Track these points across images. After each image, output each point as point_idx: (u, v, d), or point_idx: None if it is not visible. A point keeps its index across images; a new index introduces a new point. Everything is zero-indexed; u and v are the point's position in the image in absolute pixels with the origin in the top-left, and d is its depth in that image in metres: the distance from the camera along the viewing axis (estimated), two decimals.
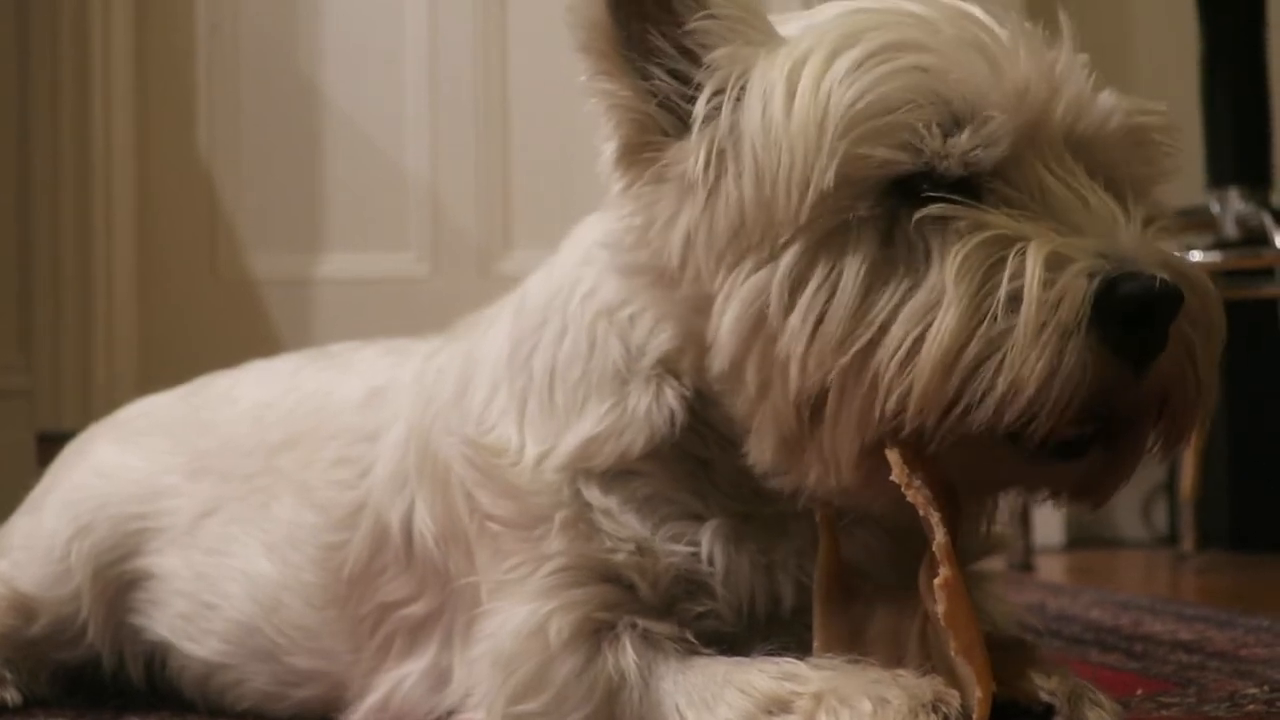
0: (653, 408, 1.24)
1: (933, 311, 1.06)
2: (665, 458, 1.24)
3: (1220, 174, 3.15)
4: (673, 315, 1.21)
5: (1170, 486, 3.65)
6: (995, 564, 1.37)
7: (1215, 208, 3.14)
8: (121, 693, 1.68)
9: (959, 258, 1.06)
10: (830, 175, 1.09)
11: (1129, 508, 3.85)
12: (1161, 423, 1.11)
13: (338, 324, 3.63)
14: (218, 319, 3.69)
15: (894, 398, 1.07)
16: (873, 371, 1.08)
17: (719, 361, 1.16)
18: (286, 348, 3.02)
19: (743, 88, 1.15)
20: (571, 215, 1.37)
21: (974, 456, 1.09)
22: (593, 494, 1.24)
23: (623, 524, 1.23)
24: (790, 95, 1.12)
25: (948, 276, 1.06)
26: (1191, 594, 2.78)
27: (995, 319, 1.05)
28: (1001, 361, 1.04)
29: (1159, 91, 3.99)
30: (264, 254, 3.73)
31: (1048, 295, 1.04)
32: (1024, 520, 3.07)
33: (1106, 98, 1.16)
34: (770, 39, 1.17)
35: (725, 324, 1.14)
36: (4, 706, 1.65)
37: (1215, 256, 3.12)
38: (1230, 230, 3.13)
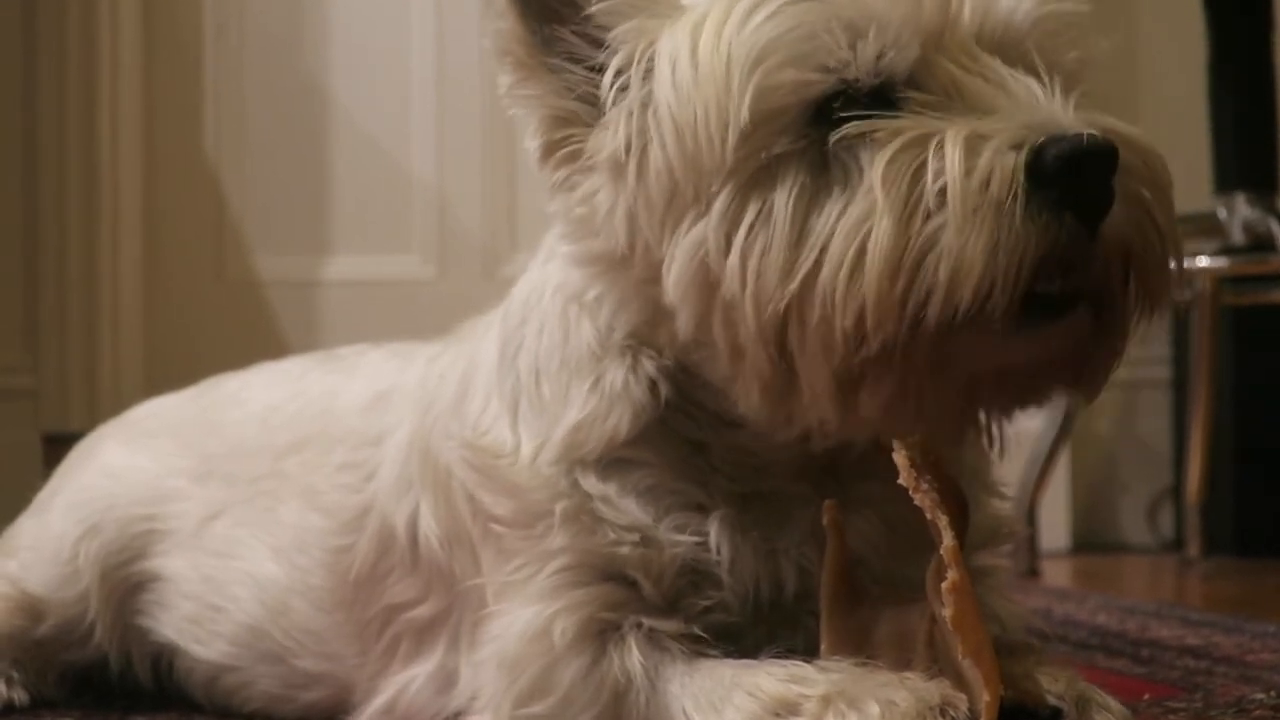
0: (629, 380, 1.24)
1: (867, 223, 1.06)
2: (657, 442, 1.24)
3: (1227, 179, 3.15)
4: (633, 294, 1.22)
5: (1176, 491, 3.65)
6: (1002, 560, 1.37)
7: (1222, 213, 3.13)
8: (129, 694, 1.69)
9: (881, 165, 1.07)
10: (745, 112, 1.10)
11: (1134, 513, 3.85)
12: (1133, 283, 1.10)
13: (343, 326, 3.63)
14: (223, 320, 3.69)
15: (850, 316, 1.07)
16: (820, 294, 1.08)
17: (683, 326, 1.17)
18: (292, 349, 3.02)
19: (650, 59, 1.17)
20: None
21: (959, 360, 1.08)
22: (590, 483, 1.24)
23: (624, 511, 1.23)
24: (694, 51, 1.14)
25: (875, 185, 1.06)
26: (1197, 599, 2.78)
27: (929, 215, 1.05)
28: (942, 251, 1.04)
29: (1165, 97, 3.99)
30: (270, 256, 3.73)
31: (972, 177, 1.04)
32: (1030, 524, 3.07)
33: None
34: (673, 10, 1.18)
35: (672, 284, 1.15)
36: (11, 707, 1.65)
37: (1222, 262, 3.12)
38: (1237, 236, 3.12)
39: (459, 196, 3.77)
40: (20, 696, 1.66)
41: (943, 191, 1.05)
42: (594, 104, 1.19)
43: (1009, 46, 1.13)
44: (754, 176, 1.11)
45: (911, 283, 1.05)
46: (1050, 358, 1.11)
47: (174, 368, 3.43)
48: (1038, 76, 1.12)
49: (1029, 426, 2.97)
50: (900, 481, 1.11)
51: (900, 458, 1.12)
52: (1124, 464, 3.88)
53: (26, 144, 3.56)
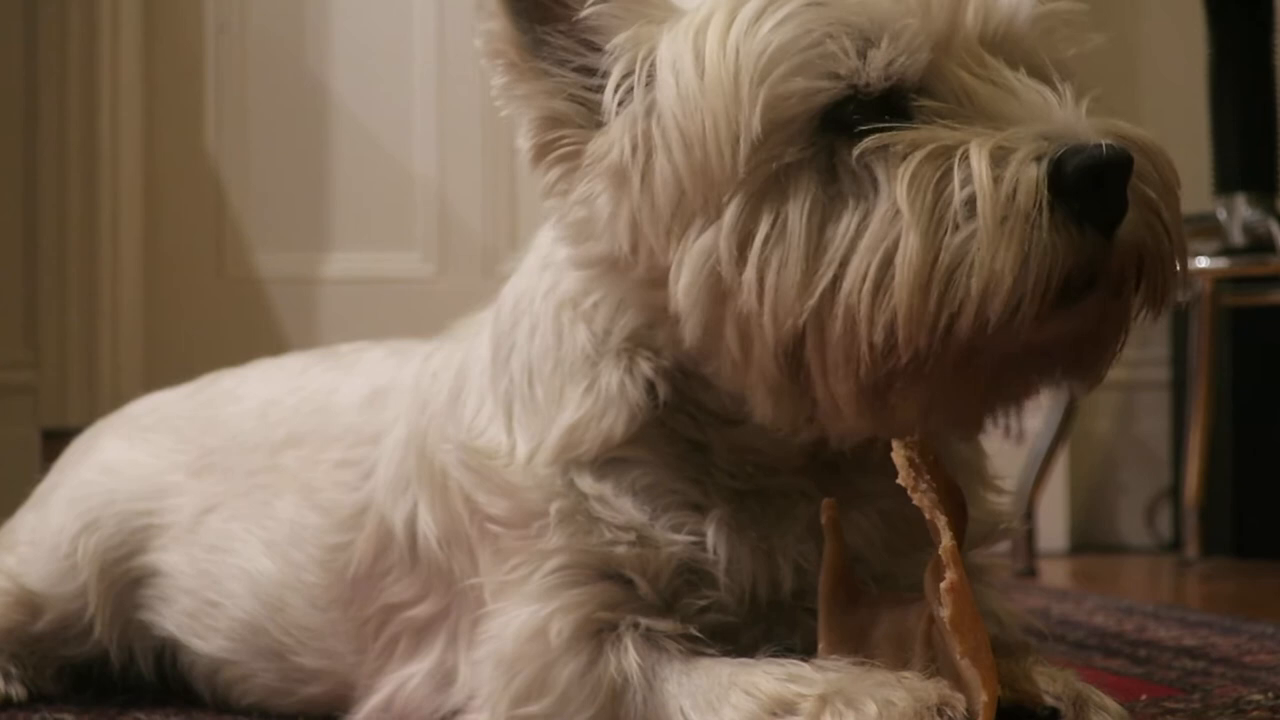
0: (625, 382, 1.24)
1: (892, 236, 1.07)
2: (654, 442, 1.24)
3: (1227, 181, 3.14)
4: (633, 297, 1.22)
5: (1174, 492, 3.65)
6: (995, 558, 1.38)
7: (1222, 215, 3.13)
8: (128, 688, 1.69)
9: (906, 178, 1.07)
10: (757, 122, 1.10)
11: (1132, 514, 3.85)
12: (1143, 284, 1.11)
13: (343, 323, 3.63)
14: (224, 317, 3.69)
15: (878, 329, 1.07)
16: (844, 307, 1.08)
17: (689, 331, 1.16)
18: (292, 346, 3.02)
19: (652, 65, 1.16)
20: None
21: (985, 355, 1.09)
22: (585, 482, 1.24)
23: (619, 510, 1.23)
24: (699, 59, 1.14)
25: (900, 199, 1.06)
26: (1195, 600, 2.78)
27: (957, 227, 1.05)
28: (973, 264, 1.05)
29: (1166, 99, 3.99)
30: (270, 253, 3.73)
31: (1000, 189, 1.04)
32: (1028, 524, 3.07)
33: None
34: (670, 15, 1.18)
35: (680, 291, 1.15)
36: (9, 702, 1.65)
37: (1222, 263, 3.12)
38: (1237, 237, 3.12)
39: (459, 194, 3.77)
40: (18, 691, 1.66)
41: (969, 203, 1.05)
42: (586, 105, 1.19)
43: (1011, 47, 1.14)
44: (765, 186, 1.11)
45: (944, 295, 1.05)
46: (1065, 338, 1.12)
47: (173, 364, 3.43)
48: (1044, 78, 1.12)
49: (1028, 426, 2.96)
50: (899, 481, 1.11)
51: (899, 457, 1.12)
52: (1122, 464, 3.87)
53: (27, 140, 3.56)
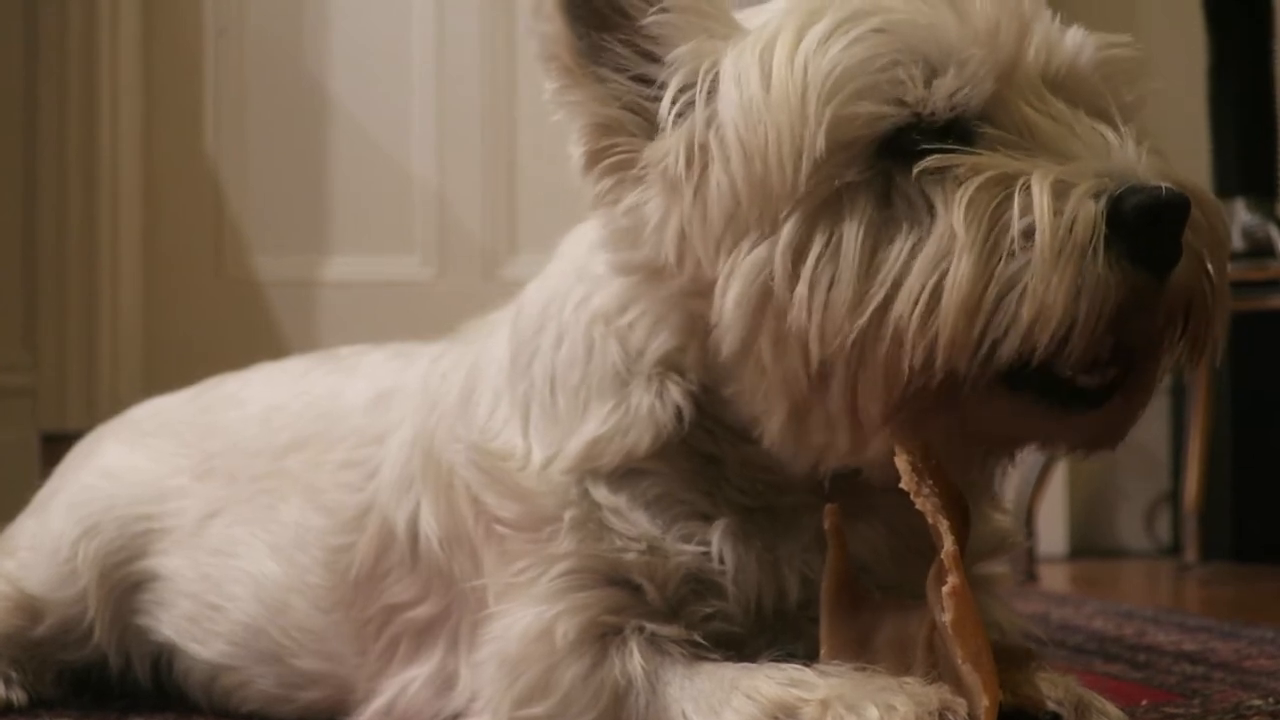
0: (656, 405, 1.24)
1: (945, 260, 1.07)
2: (673, 456, 1.24)
3: (1226, 185, 3.15)
4: (672, 306, 1.22)
5: (1174, 497, 3.65)
6: (1001, 567, 1.38)
7: None
8: (127, 694, 1.68)
9: (964, 202, 1.07)
10: (821, 141, 1.10)
11: (1132, 518, 3.85)
12: (1187, 334, 1.12)
13: (342, 326, 3.63)
14: (223, 320, 3.69)
15: (920, 350, 1.07)
16: (892, 328, 1.08)
17: (728, 343, 1.16)
18: (291, 349, 3.01)
19: (714, 79, 1.16)
20: (577, 220, 1.38)
21: (995, 414, 1.10)
22: (600, 493, 1.24)
23: (632, 522, 1.23)
24: (766, 74, 1.14)
25: (956, 222, 1.07)
26: (1195, 605, 2.78)
27: (1013, 255, 1.06)
28: (1023, 293, 1.05)
29: (1165, 102, 3.97)
30: (269, 255, 3.73)
31: (1059, 221, 1.05)
32: (1028, 530, 3.07)
33: (1075, 33, 1.18)
34: (734, 30, 1.18)
35: (729, 303, 1.15)
36: (9, 707, 1.64)
37: None
38: (1236, 242, 3.13)
39: (459, 197, 3.77)
40: (18, 696, 1.66)
41: (1027, 233, 1.06)
42: (640, 114, 1.19)
43: (1072, 88, 1.15)
44: (823, 205, 1.11)
45: (990, 321, 1.06)
46: (1079, 435, 1.14)
47: (173, 367, 3.43)
48: (1104, 119, 1.13)
49: None
50: (902, 486, 1.11)
51: (902, 462, 1.12)
52: (1122, 469, 3.88)
53: (27, 143, 3.56)
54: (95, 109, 3.59)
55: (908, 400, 1.10)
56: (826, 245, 1.11)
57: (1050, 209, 1.05)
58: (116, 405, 1.95)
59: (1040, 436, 1.16)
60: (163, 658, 1.66)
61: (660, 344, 1.24)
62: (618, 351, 1.27)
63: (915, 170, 1.10)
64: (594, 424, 1.26)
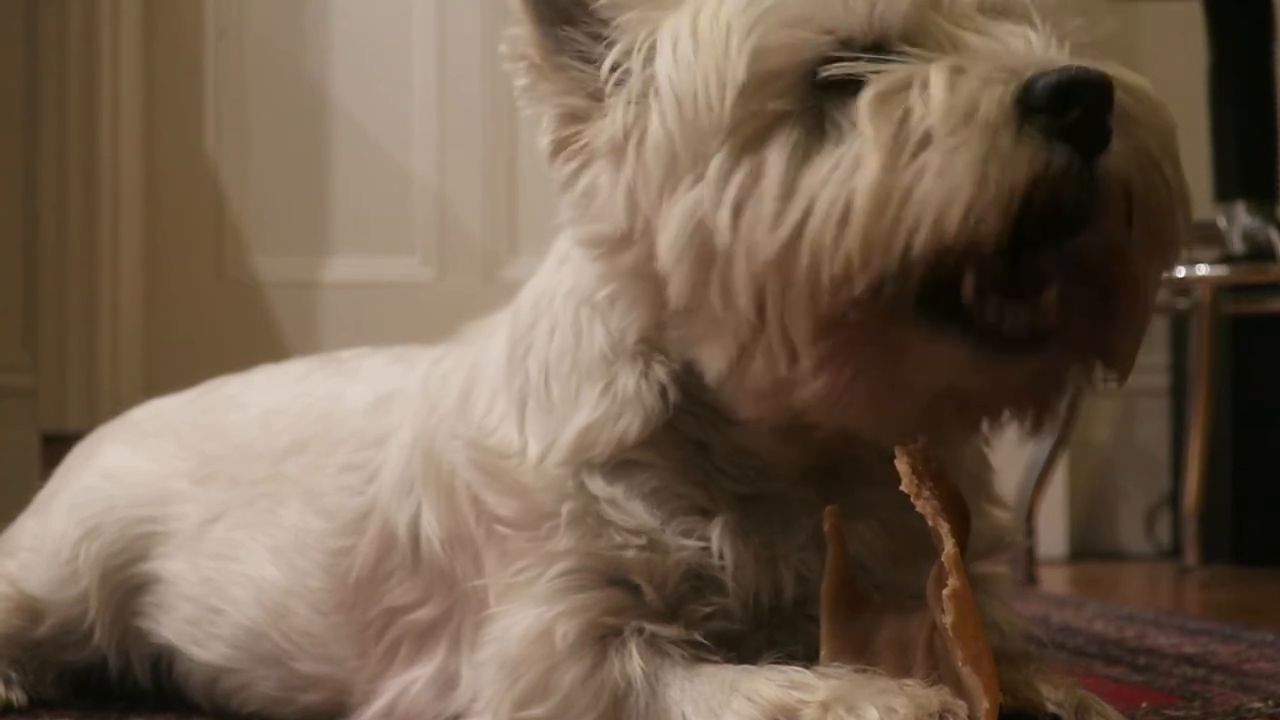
0: (642, 385, 1.25)
1: (857, 168, 1.06)
2: (664, 445, 1.24)
3: (1227, 188, 3.15)
4: (636, 276, 1.22)
5: (1174, 499, 3.65)
6: (1001, 567, 1.38)
7: (1222, 222, 3.14)
8: (128, 695, 1.68)
9: (866, 105, 1.06)
10: (741, 70, 1.11)
11: (1132, 520, 3.85)
12: (1137, 226, 1.08)
13: (343, 327, 3.63)
14: (223, 321, 3.69)
15: (838, 259, 1.06)
16: (810, 240, 1.07)
17: (675, 294, 1.16)
18: (292, 350, 3.00)
19: (652, 44, 1.18)
20: None
21: (922, 356, 1.07)
22: (596, 484, 1.24)
23: (630, 513, 1.23)
24: (694, 28, 1.15)
25: (861, 125, 1.06)
26: (1195, 607, 2.78)
27: (917, 151, 1.04)
28: (930, 180, 1.03)
29: (1166, 105, 3.94)
30: (270, 256, 3.73)
31: (958, 101, 1.03)
32: (1028, 531, 3.07)
33: None
34: (679, 2, 1.19)
35: (665, 248, 1.15)
36: (10, 707, 1.64)
37: (1222, 271, 3.12)
38: (1237, 245, 3.13)
39: (459, 198, 3.77)
40: (18, 697, 1.66)
41: (930, 126, 1.04)
42: (600, 100, 1.21)
43: (1011, 12, 1.13)
44: (751, 136, 1.12)
45: (901, 214, 1.04)
46: (1007, 391, 1.10)
47: (173, 368, 3.43)
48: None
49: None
50: (902, 488, 1.11)
51: (902, 464, 1.12)
52: (1122, 471, 3.88)
53: (27, 143, 3.56)
54: (96, 109, 3.59)
55: (835, 320, 1.08)
56: (751, 169, 1.11)
57: (947, 90, 1.04)
58: (117, 406, 1.95)
59: (969, 387, 1.10)
60: (163, 660, 1.66)
61: (636, 320, 1.25)
62: (603, 333, 1.27)
63: (823, 72, 1.09)
64: (585, 411, 1.26)
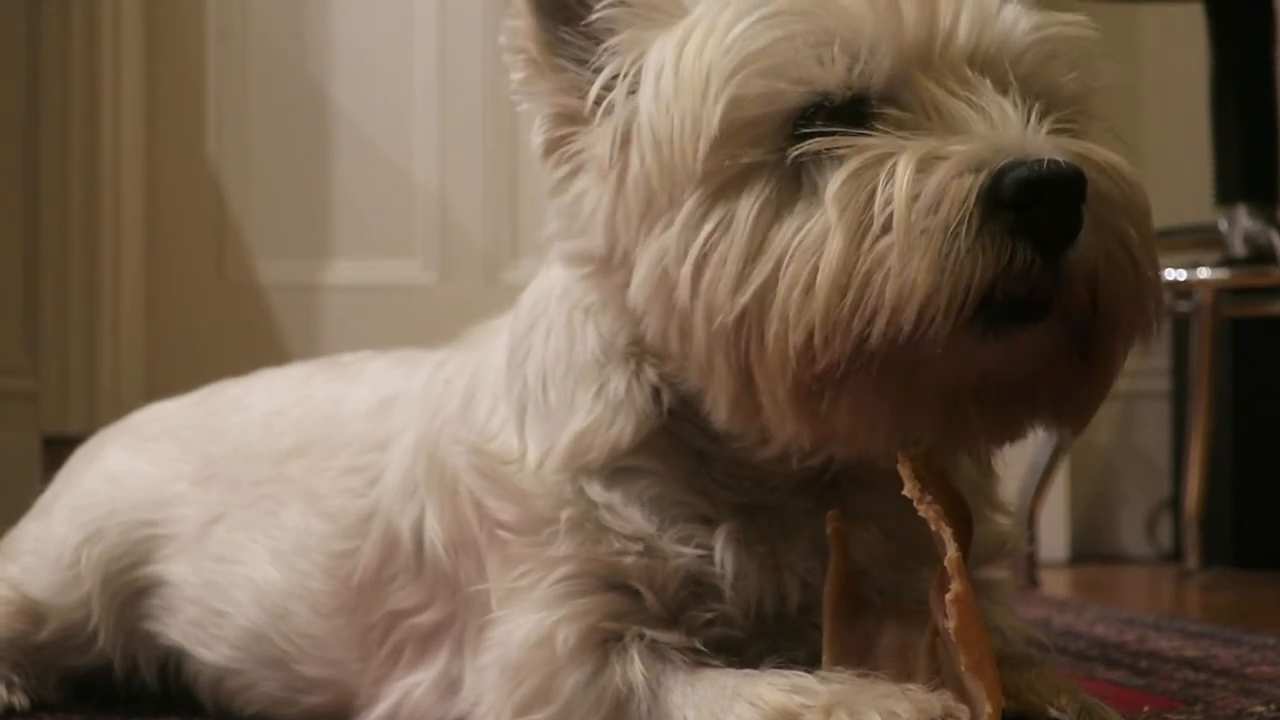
0: (633, 387, 1.25)
1: (822, 241, 1.06)
2: (663, 451, 1.24)
3: (1228, 191, 3.15)
4: (615, 298, 1.22)
5: (1175, 503, 3.65)
6: (1003, 572, 1.38)
7: (1223, 225, 3.13)
8: (132, 698, 1.68)
9: (837, 183, 1.06)
10: (716, 119, 1.11)
11: (1133, 524, 3.85)
12: (1100, 315, 1.08)
13: (344, 330, 3.63)
14: (224, 324, 3.70)
15: (801, 332, 1.06)
16: (777, 308, 1.07)
17: (650, 331, 1.17)
18: (293, 353, 3.00)
19: (639, 70, 1.18)
20: None
21: (926, 370, 1.07)
22: (595, 490, 1.24)
23: (628, 519, 1.23)
24: (677, 63, 1.15)
25: (829, 202, 1.06)
26: (1196, 611, 2.78)
27: (880, 235, 1.04)
28: (889, 272, 1.03)
29: (1168, 109, 3.99)
30: (271, 259, 3.73)
31: (921, 198, 1.03)
32: (1029, 536, 3.07)
33: (1011, 10, 1.15)
34: (670, 19, 1.19)
35: (634, 289, 1.16)
36: (12, 711, 1.65)
37: (1223, 274, 3.12)
38: (1238, 248, 3.12)
39: (460, 201, 3.77)
40: (21, 701, 1.66)
41: (891, 217, 1.04)
42: (597, 103, 1.20)
43: (1005, 67, 1.12)
44: (723, 186, 1.11)
45: (859, 300, 1.05)
46: (1019, 369, 1.09)
47: (174, 371, 3.44)
48: (1036, 102, 1.10)
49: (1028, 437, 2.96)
50: (904, 493, 1.11)
51: (905, 469, 1.12)
52: (1123, 475, 3.88)
53: (29, 146, 3.57)
54: (97, 112, 3.59)
55: (811, 381, 1.08)
56: (719, 224, 1.11)
57: (910, 186, 1.03)
58: (118, 408, 1.95)
59: (976, 364, 1.08)
60: (170, 661, 1.66)
61: (625, 326, 1.25)
62: (595, 336, 1.27)
63: (795, 150, 1.09)
64: (580, 416, 1.26)
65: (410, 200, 3.77)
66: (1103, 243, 1.07)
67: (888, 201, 1.04)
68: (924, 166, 1.04)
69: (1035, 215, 1.03)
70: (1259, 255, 3.11)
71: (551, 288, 1.33)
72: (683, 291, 1.12)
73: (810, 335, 1.06)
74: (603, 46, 1.20)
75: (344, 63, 3.78)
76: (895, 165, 1.05)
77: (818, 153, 1.09)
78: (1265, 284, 3.16)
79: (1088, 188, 1.05)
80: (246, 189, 3.74)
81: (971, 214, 1.03)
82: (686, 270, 1.11)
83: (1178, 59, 3.69)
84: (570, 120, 1.22)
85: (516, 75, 1.24)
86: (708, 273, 1.10)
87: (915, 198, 1.03)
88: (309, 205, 3.75)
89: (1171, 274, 3.09)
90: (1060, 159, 1.04)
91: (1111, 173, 1.09)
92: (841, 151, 1.08)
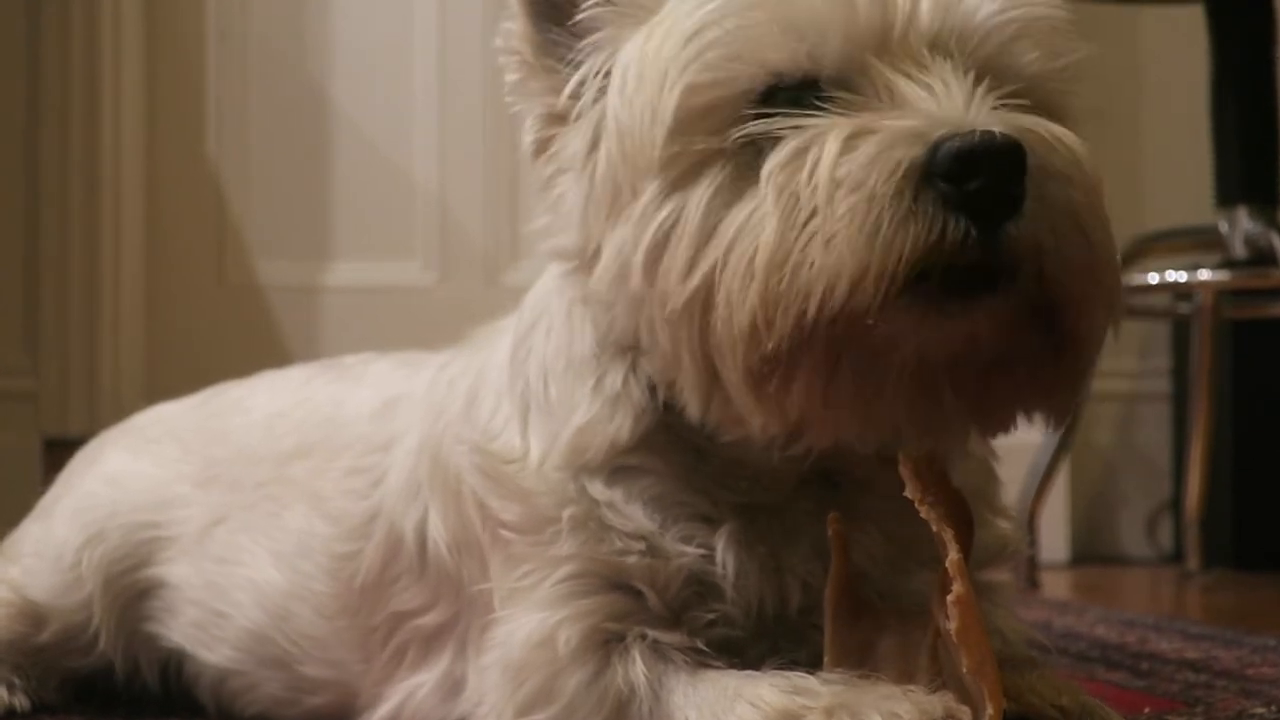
0: (630, 380, 1.25)
1: (763, 222, 1.06)
2: (662, 448, 1.24)
3: (1228, 193, 3.15)
4: (592, 295, 1.23)
5: (1175, 504, 3.65)
6: (1005, 575, 1.38)
7: (1224, 227, 3.14)
8: (133, 699, 1.68)
9: (774, 163, 1.07)
10: (671, 107, 1.11)
11: (1134, 525, 3.85)
12: (1048, 292, 1.06)
13: (344, 331, 3.63)
14: (225, 325, 3.70)
15: (744, 312, 1.06)
16: (723, 290, 1.08)
17: (619, 326, 1.18)
18: (293, 354, 3.00)
19: (610, 68, 1.19)
20: None
21: (885, 349, 1.06)
22: (596, 488, 1.24)
23: (629, 517, 1.23)
24: (642, 60, 1.16)
25: (764, 183, 1.06)
26: (1197, 612, 2.78)
27: (812, 214, 1.04)
28: (818, 253, 1.03)
29: (1168, 110, 4.00)
30: (271, 260, 3.73)
31: (848, 171, 1.03)
32: (1029, 537, 3.07)
33: None
34: (651, 16, 1.19)
35: (596, 279, 1.17)
36: (13, 712, 1.65)
37: (1223, 276, 3.12)
38: (1239, 250, 3.13)
39: (461, 203, 3.77)
40: (22, 702, 1.66)
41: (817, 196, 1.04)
42: (576, 100, 1.22)
43: (966, 49, 1.11)
44: (681, 175, 1.12)
45: (794, 280, 1.04)
46: (981, 348, 1.07)
47: (174, 372, 3.44)
48: (997, 83, 1.10)
49: (1029, 439, 2.97)
50: (906, 494, 1.11)
51: (906, 470, 1.12)
52: (1123, 476, 3.88)
53: (29, 147, 3.57)
54: (97, 113, 3.59)
55: (761, 363, 1.07)
56: (671, 212, 1.11)
57: (834, 161, 1.03)
58: (118, 410, 1.95)
59: (934, 337, 1.06)
60: (172, 663, 1.66)
61: (617, 321, 1.24)
62: (591, 331, 1.27)
63: (737, 133, 1.09)
64: (580, 412, 1.26)
65: (410, 201, 3.77)
66: (1048, 216, 1.05)
67: (814, 178, 1.04)
68: (853, 142, 1.04)
69: (971, 188, 1.02)
70: (1259, 257, 3.11)
71: (550, 284, 1.34)
72: (637, 279, 1.12)
73: (754, 317, 1.06)
74: (581, 44, 1.21)
75: (344, 63, 3.78)
76: (825, 142, 1.05)
77: (768, 137, 1.09)
78: (1266, 286, 3.16)
79: (1029, 159, 1.04)
80: (246, 189, 3.74)
81: (901, 187, 1.02)
82: (639, 258, 1.12)
83: (1178, 60, 3.69)
84: (558, 120, 1.23)
85: (511, 77, 1.25)
86: (663, 260, 1.11)
87: (838, 173, 1.03)
88: (309, 206, 3.76)
89: (1172, 276, 3.09)
90: (998, 130, 1.02)
91: (1059, 146, 1.07)
92: (785, 133, 1.08)
